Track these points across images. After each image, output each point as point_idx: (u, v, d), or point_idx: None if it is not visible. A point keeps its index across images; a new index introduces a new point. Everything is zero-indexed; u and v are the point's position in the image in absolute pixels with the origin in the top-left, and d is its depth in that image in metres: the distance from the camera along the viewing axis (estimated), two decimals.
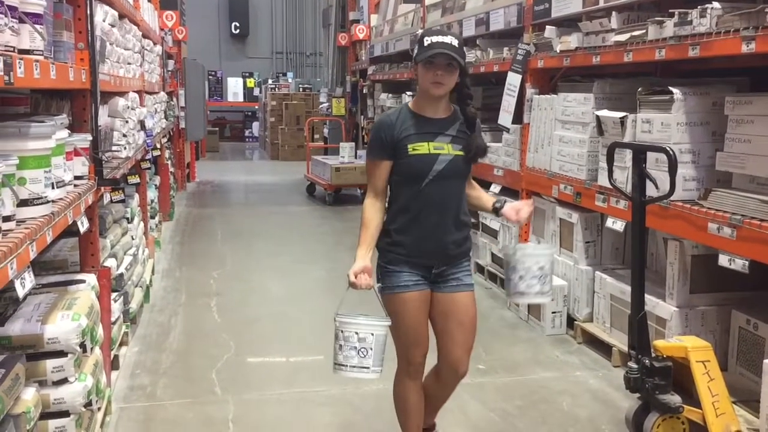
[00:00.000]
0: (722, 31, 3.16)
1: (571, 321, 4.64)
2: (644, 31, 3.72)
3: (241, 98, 20.48)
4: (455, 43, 2.59)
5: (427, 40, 2.59)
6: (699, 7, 3.31)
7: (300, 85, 17.59)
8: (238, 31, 21.10)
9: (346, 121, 11.92)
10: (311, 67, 21.74)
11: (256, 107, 19.97)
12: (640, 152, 3.10)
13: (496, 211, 2.81)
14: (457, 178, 2.69)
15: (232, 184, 12.03)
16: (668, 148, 2.99)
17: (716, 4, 3.23)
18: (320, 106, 14.74)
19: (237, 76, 20.52)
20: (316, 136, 14.28)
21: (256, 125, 20.26)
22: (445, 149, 2.64)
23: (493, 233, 5.81)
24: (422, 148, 2.62)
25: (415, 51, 2.65)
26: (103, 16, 3.76)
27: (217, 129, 18.45)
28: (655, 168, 3.47)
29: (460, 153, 2.66)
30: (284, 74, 20.15)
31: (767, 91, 3.37)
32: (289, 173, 13.07)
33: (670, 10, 3.52)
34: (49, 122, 2.52)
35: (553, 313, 4.64)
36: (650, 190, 3.17)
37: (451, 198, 2.68)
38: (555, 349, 4.41)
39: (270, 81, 18.53)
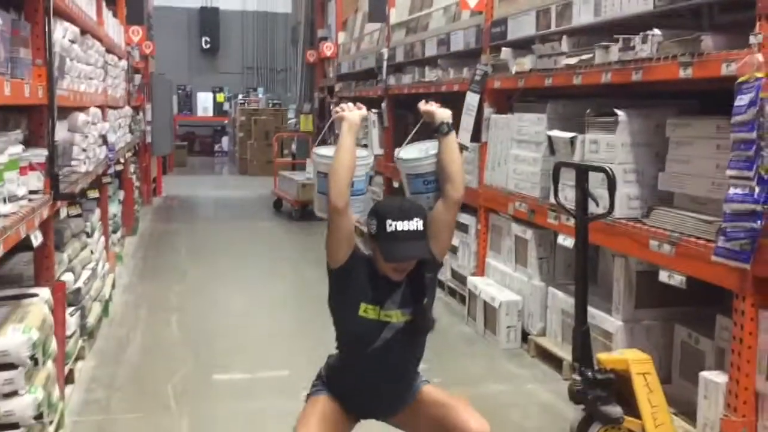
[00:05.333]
0: (662, 56, 3.30)
1: (525, 335, 4.74)
2: (592, 55, 3.87)
3: (211, 113, 20.44)
4: (421, 226, 2.22)
5: (389, 225, 2.20)
6: (641, 33, 3.45)
7: (270, 101, 17.61)
8: (208, 45, 21.06)
9: (313, 137, 11.99)
10: (282, 82, 21.79)
11: (226, 122, 19.96)
12: (582, 171, 3.22)
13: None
14: (405, 344, 2.40)
15: (198, 199, 12.02)
16: (608, 168, 3.11)
17: (657, 31, 3.38)
18: (289, 121, 14.79)
19: (207, 91, 20.49)
20: (285, 152, 14.30)
21: (225, 140, 20.24)
22: (393, 317, 2.34)
23: (452, 249, 5.90)
24: (372, 312, 2.33)
25: (373, 228, 2.24)
26: (63, 33, 3.80)
27: (186, 143, 18.34)
28: (601, 187, 3.57)
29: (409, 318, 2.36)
30: (255, 89, 20.19)
31: (716, 113, 3.51)
32: (257, 188, 13.06)
33: (615, 36, 3.67)
34: (2, 138, 2.57)
35: (508, 327, 4.73)
36: (594, 208, 3.29)
37: (397, 362, 2.41)
38: (509, 363, 4.50)
39: (240, 96, 18.54)
